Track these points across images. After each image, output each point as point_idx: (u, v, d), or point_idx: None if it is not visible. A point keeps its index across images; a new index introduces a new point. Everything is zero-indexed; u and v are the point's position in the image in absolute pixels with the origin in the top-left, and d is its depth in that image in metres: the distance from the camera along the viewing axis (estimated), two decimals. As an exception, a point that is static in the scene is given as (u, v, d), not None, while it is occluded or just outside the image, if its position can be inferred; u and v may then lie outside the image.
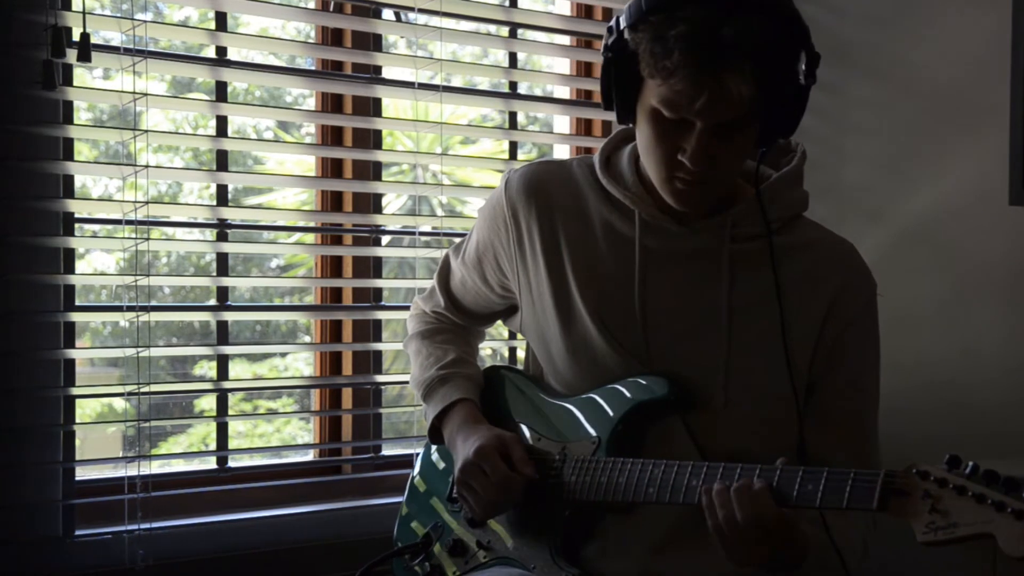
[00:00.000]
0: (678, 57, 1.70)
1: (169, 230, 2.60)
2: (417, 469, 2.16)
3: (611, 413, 1.89)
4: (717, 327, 1.87)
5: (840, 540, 1.77)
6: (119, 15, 2.44)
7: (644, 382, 1.88)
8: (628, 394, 1.88)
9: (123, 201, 2.44)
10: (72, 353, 2.40)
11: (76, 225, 2.44)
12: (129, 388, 2.44)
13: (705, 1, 1.71)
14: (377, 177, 2.84)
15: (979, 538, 1.50)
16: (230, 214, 2.63)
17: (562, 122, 3.26)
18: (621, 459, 1.84)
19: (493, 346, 3.06)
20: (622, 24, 1.78)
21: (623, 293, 1.91)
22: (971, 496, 1.51)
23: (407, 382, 2.87)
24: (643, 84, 1.78)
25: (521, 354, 2.65)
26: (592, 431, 1.91)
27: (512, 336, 3.01)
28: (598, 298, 1.92)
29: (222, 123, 2.62)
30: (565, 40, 3.11)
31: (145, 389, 2.45)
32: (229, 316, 2.63)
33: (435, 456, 2.13)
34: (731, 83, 1.71)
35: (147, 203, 2.45)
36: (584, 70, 3.18)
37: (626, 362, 1.89)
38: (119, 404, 2.47)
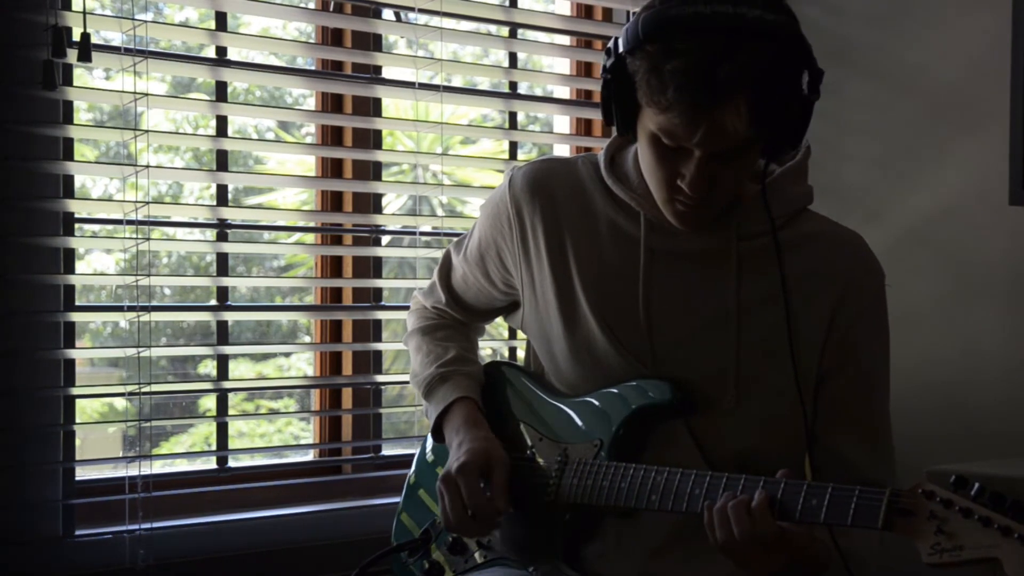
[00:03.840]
0: (673, 93, 1.69)
1: (169, 230, 2.60)
2: (413, 468, 2.16)
3: (613, 416, 1.88)
4: (726, 327, 1.86)
5: (857, 546, 1.76)
6: (119, 15, 2.44)
7: (647, 386, 1.87)
8: (631, 398, 1.87)
9: (123, 201, 2.44)
10: (72, 353, 2.40)
11: (76, 225, 2.44)
12: (130, 388, 2.44)
13: (702, 32, 1.68)
14: (377, 177, 2.84)
15: (985, 562, 1.50)
16: (230, 214, 2.63)
17: (562, 122, 3.26)
18: (624, 464, 1.83)
19: (493, 345, 3.06)
20: (620, 48, 1.76)
21: (628, 294, 1.90)
22: (977, 519, 1.51)
23: (407, 382, 2.88)
24: (642, 108, 1.77)
25: (521, 353, 2.64)
26: (594, 434, 1.90)
27: (512, 335, 3.01)
28: (602, 298, 1.91)
29: (222, 123, 2.62)
30: (565, 40, 3.11)
31: (146, 389, 2.45)
32: (229, 316, 2.63)
33: (430, 456, 2.13)
34: (727, 120, 1.69)
35: (147, 203, 2.45)
36: (584, 70, 3.18)
37: (629, 364, 1.89)
38: (120, 404, 2.48)
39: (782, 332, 1.83)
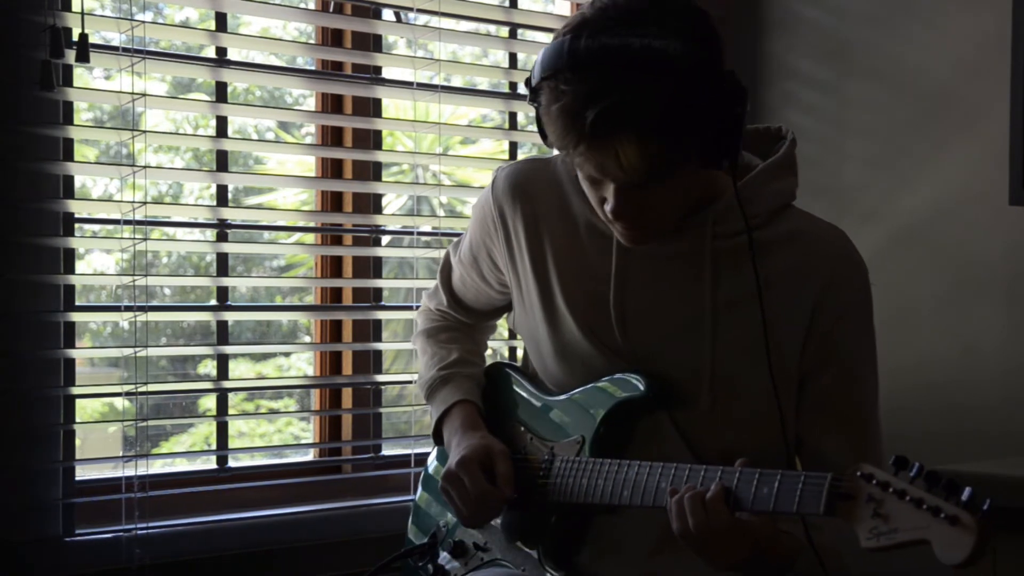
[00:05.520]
0: (560, 135, 1.69)
1: (169, 230, 2.60)
2: (434, 459, 2.16)
3: (593, 413, 1.88)
4: (701, 327, 1.84)
5: (828, 539, 1.75)
6: (118, 15, 2.44)
7: (624, 380, 1.86)
8: (608, 393, 1.87)
9: (123, 201, 2.44)
10: (72, 353, 2.40)
11: (76, 225, 2.44)
12: (128, 388, 2.44)
13: (584, 70, 1.65)
14: (377, 177, 2.85)
15: (918, 544, 1.46)
16: (230, 214, 2.63)
17: (562, 122, 3.25)
18: (602, 460, 1.83)
19: (493, 346, 3.06)
20: (532, 83, 1.74)
21: (605, 293, 1.89)
22: (910, 500, 1.47)
23: (407, 382, 2.89)
24: None
25: (521, 353, 2.65)
26: (576, 431, 1.90)
27: (512, 336, 3.01)
28: (581, 299, 1.90)
29: (222, 123, 2.62)
30: (565, 40, 3.11)
31: (144, 389, 2.45)
32: (229, 316, 2.63)
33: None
34: (609, 161, 1.67)
35: (146, 203, 2.45)
36: (584, 70, 3.18)
37: (612, 363, 1.88)
38: (119, 404, 2.48)
39: (759, 332, 1.79)
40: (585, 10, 1.72)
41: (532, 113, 3.14)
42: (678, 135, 1.67)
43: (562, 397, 1.94)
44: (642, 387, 1.84)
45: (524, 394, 2.02)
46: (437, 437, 2.06)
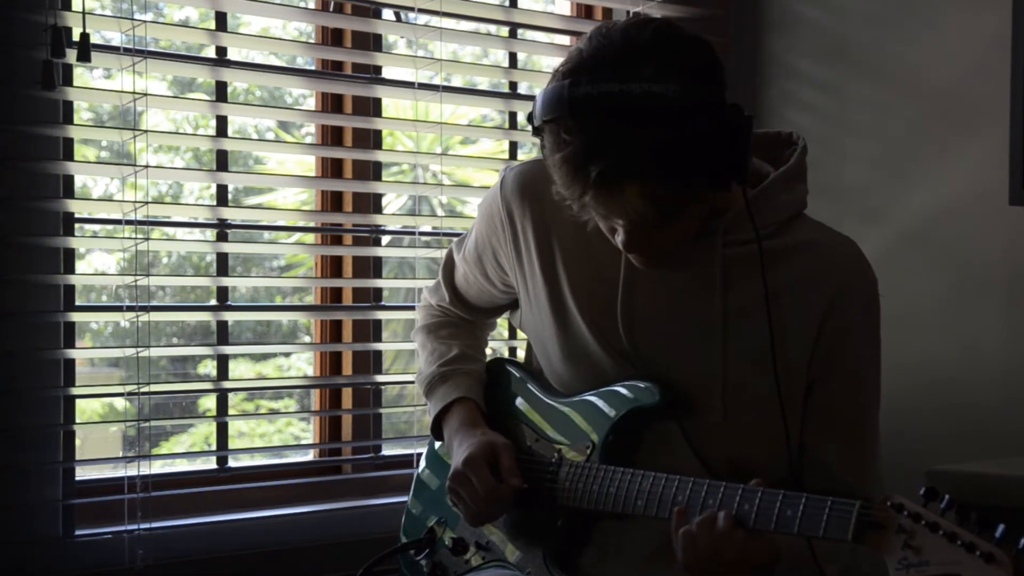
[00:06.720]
0: (565, 184, 1.68)
1: (169, 230, 2.60)
2: (423, 463, 2.16)
3: (603, 419, 1.87)
4: (711, 335, 1.83)
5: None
6: (119, 15, 2.44)
7: (637, 387, 1.86)
8: (620, 400, 1.86)
9: (123, 201, 2.44)
10: (72, 353, 2.40)
11: (76, 225, 2.44)
12: (129, 388, 2.44)
13: (586, 118, 1.63)
14: (377, 177, 2.84)
15: None
16: (230, 214, 2.63)
17: (562, 122, 3.25)
18: (613, 468, 1.83)
19: (493, 345, 3.05)
20: (534, 121, 1.72)
21: (614, 297, 1.88)
22: (943, 535, 1.49)
23: (407, 382, 2.89)
24: None
25: (521, 353, 2.64)
26: (586, 436, 1.89)
27: (513, 335, 3.01)
28: (591, 301, 1.90)
29: (222, 123, 2.62)
30: (565, 40, 3.11)
31: (145, 389, 2.45)
32: (229, 316, 2.63)
33: (441, 450, 2.12)
34: (615, 207, 1.68)
35: (147, 203, 2.45)
36: (584, 70, 3.18)
37: (621, 366, 1.88)
38: (119, 404, 2.47)
39: (768, 340, 1.79)
40: (583, 46, 1.69)
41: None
42: (684, 177, 1.66)
43: (571, 400, 1.94)
44: (656, 396, 1.84)
45: (529, 394, 2.02)
46: (437, 433, 2.06)
